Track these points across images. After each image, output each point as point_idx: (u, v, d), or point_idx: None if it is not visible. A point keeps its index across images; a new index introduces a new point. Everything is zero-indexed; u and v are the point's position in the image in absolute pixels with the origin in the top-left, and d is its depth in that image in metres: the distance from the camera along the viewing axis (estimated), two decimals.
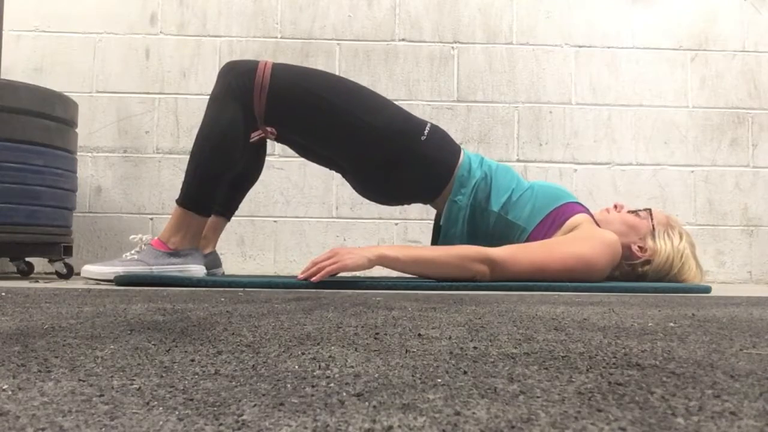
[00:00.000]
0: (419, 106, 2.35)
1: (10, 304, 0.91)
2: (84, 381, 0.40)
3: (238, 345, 0.55)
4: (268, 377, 0.42)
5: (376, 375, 0.43)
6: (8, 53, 2.25)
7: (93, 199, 2.32)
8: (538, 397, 0.37)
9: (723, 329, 0.70)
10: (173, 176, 2.31)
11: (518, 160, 2.37)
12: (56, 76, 2.30)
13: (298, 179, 2.34)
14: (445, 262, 1.38)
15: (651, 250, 1.58)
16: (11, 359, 0.47)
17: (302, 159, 1.72)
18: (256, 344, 0.55)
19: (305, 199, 2.34)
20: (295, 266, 2.30)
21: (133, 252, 1.47)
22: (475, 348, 0.54)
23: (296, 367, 0.45)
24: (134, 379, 0.41)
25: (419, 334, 0.62)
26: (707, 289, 1.44)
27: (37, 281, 1.72)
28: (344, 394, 0.37)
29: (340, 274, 1.39)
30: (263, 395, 0.37)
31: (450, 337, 0.61)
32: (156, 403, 0.35)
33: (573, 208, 1.55)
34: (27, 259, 2.01)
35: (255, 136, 1.49)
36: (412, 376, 0.42)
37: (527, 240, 1.51)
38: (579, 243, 1.44)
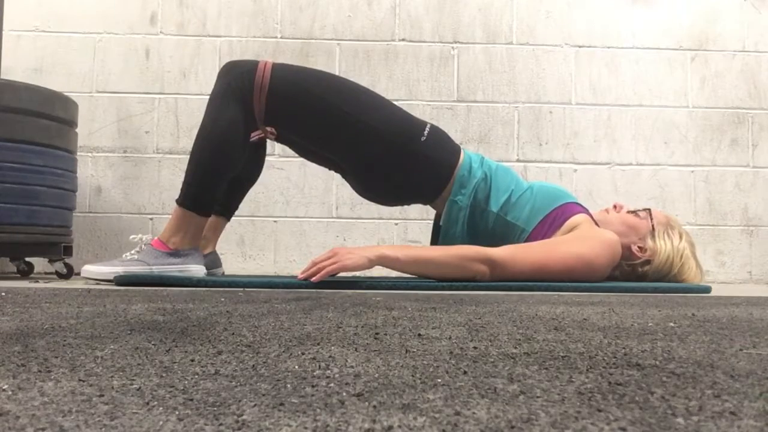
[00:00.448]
0: (419, 106, 2.35)
1: (10, 304, 0.91)
2: (84, 381, 0.40)
3: (238, 345, 0.55)
4: (268, 377, 0.42)
5: (376, 375, 0.43)
6: (8, 53, 2.25)
7: (93, 199, 2.32)
8: (538, 397, 0.37)
9: (723, 329, 0.70)
10: (173, 176, 2.31)
11: (518, 160, 2.37)
12: (56, 76, 2.30)
13: (298, 179, 2.34)
14: (445, 262, 1.38)
15: (651, 251, 1.58)
16: (11, 359, 0.47)
17: (302, 159, 1.72)
18: (256, 344, 0.55)
19: (305, 199, 2.34)
20: (295, 266, 2.30)
21: (133, 252, 1.47)
22: (475, 348, 0.54)
23: (296, 367, 0.45)
24: (134, 379, 0.41)
25: (419, 334, 0.62)
26: (707, 289, 1.44)
27: (37, 281, 1.72)
28: (344, 394, 0.37)
29: (340, 274, 1.39)
30: (263, 395, 0.37)
31: (450, 337, 0.60)
32: (156, 403, 0.35)
33: (572, 208, 1.55)
34: (27, 259, 2.01)
35: (255, 135, 1.49)
36: (412, 376, 0.42)
37: (527, 240, 1.51)
38: (579, 243, 1.44)
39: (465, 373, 0.44)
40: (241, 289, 1.31)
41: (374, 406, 0.34)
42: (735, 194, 2.40)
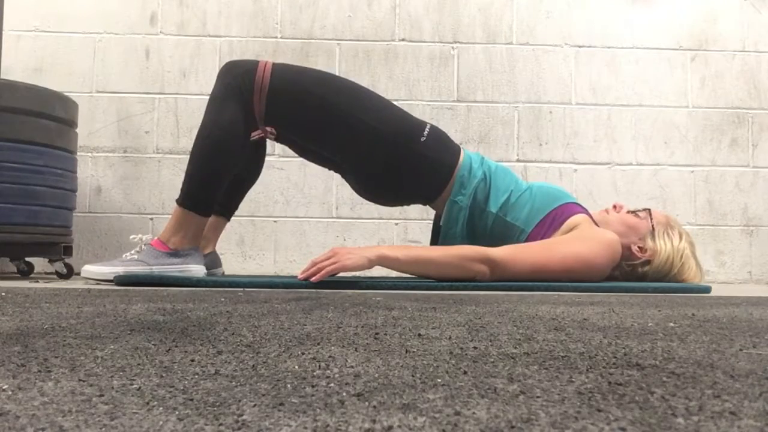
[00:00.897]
0: (419, 106, 2.35)
1: (10, 304, 0.91)
2: (84, 381, 0.40)
3: (238, 345, 0.55)
4: (268, 377, 0.42)
5: (376, 375, 0.43)
6: (8, 53, 2.25)
7: (93, 199, 2.32)
8: (538, 397, 0.37)
9: (723, 329, 0.70)
10: (173, 176, 2.31)
11: (518, 160, 2.37)
12: (56, 76, 2.30)
13: (298, 179, 2.34)
14: (445, 262, 1.38)
15: (651, 251, 1.58)
16: (11, 359, 0.47)
17: (302, 159, 1.72)
18: (256, 344, 0.55)
19: (305, 199, 2.34)
20: (295, 266, 2.30)
21: (133, 252, 1.47)
22: (475, 348, 0.54)
23: (296, 367, 0.45)
24: (134, 379, 0.41)
25: (419, 334, 0.62)
26: (707, 289, 1.44)
27: (37, 281, 1.72)
28: (344, 394, 0.37)
29: (340, 274, 1.39)
30: (263, 395, 0.37)
31: (450, 337, 0.60)
32: (156, 403, 0.35)
33: (572, 208, 1.55)
34: (27, 259, 2.01)
35: (255, 135, 1.49)
36: (412, 376, 0.42)
37: (526, 241, 1.51)
38: (579, 243, 1.44)
39: (465, 373, 0.44)
40: (241, 289, 1.31)
41: (374, 406, 0.34)
42: (735, 194, 2.40)
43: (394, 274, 1.75)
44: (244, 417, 0.32)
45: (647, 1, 2.43)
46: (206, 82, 2.32)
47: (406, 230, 2.35)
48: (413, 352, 0.52)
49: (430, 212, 2.26)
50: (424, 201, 1.65)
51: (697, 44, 2.42)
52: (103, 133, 2.33)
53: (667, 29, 2.42)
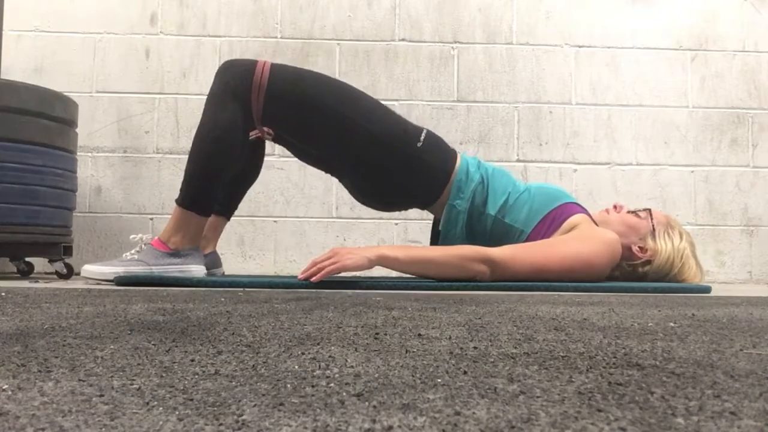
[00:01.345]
0: (419, 106, 2.35)
1: (10, 304, 0.91)
2: (84, 381, 0.40)
3: (238, 345, 0.55)
4: (268, 377, 0.42)
5: (376, 375, 0.43)
6: (8, 53, 2.25)
7: (93, 199, 2.32)
8: (538, 397, 0.37)
9: (723, 329, 0.70)
10: (173, 176, 2.31)
11: (518, 160, 2.37)
12: (56, 76, 2.30)
13: (298, 179, 2.34)
14: (445, 263, 1.38)
15: (651, 251, 1.58)
16: (11, 359, 0.47)
17: None
18: (256, 344, 0.55)
19: (305, 199, 2.34)
20: (295, 266, 2.30)
21: (133, 252, 1.47)
22: (475, 348, 0.54)
23: (296, 367, 0.45)
24: (134, 379, 0.41)
25: (419, 334, 0.62)
26: (707, 289, 1.44)
27: (37, 281, 1.72)
28: (344, 394, 0.37)
29: (340, 274, 1.39)
30: (263, 395, 0.37)
31: (450, 337, 0.60)
32: (156, 403, 0.35)
33: (571, 208, 1.54)
34: (27, 259, 2.01)
35: (252, 135, 1.49)
36: (412, 376, 0.42)
37: (526, 242, 1.51)
38: (579, 242, 1.44)
39: (465, 373, 0.44)
40: (241, 289, 1.31)
41: (374, 406, 0.34)
42: (735, 194, 2.40)
43: (394, 274, 1.75)
44: (244, 417, 0.32)
45: (647, 1, 2.43)
46: (206, 82, 2.30)
47: (406, 230, 2.35)
48: (413, 352, 0.52)
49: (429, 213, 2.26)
50: (422, 206, 1.64)
51: (697, 44, 2.42)
52: (103, 133, 2.33)
53: (667, 29, 2.42)
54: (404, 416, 0.32)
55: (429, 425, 0.31)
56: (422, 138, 1.53)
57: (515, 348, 0.55)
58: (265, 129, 1.49)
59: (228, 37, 2.36)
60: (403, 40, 2.38)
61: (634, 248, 1.59)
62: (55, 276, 1.91)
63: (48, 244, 1.85)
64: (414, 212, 2.34)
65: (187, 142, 2.31)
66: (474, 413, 0.33)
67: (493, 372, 0.44)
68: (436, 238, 1.64)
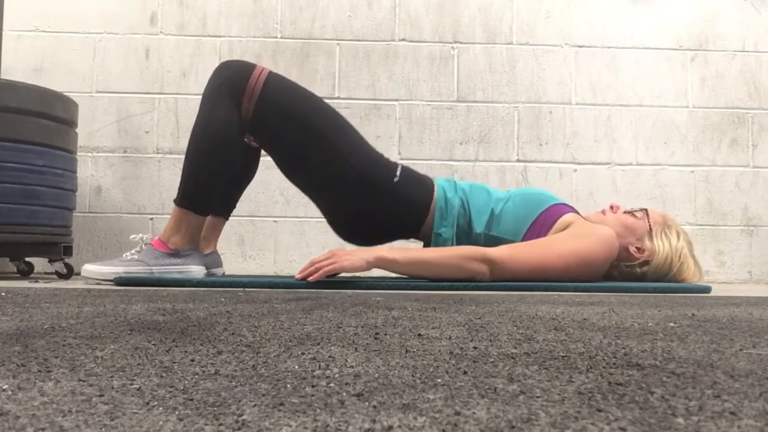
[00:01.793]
0: (419, 106, 2.35)
1: (10, 304, 0.91)
2: (84, 381, 0.40)
3: (238, 345, 0.55)
4: (268, 377, 0.42)
5: (376, 375, 0.43)
6: (8, 53, 2.25)
7: (93, 199, 2.32)
8: (538, 397, 0.37)
9: (723, 329, 0.70)
10: (173, 176, 2.31)
11: (518, 160, 2.37)
12: (56, 76, 2.30)
13: None
14: (444, 263, 1.38)
15: (649, 251, 1.58)
16: (11, 359, 0.47)
17: None
18: (256, 344, 0.55)
19: (305, 199, 2.32)
20: (295, 266, 2.30)
21: (133, 252, 1.47)
22: (475, 348, 0.54)
23: (296, 367, 0.45)
24: (134, 379, 0.41)
25: (419, 334, 0.62)
26: (707, 289, 1.44)
27: (37, 281, 1.72)
28: (344, 394, 0.37)
29: (340, 274, 1.39)
30: (263, 395, 0.37)
31: (450, 337, 0.61)
32: (156, 403, 0.35)
33: (559, 209, 1.54)
34: (27, 259, 2.01)
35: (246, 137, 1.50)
36: (412, 376, 0.42)
37: None
38: (575, 239, 1.44)
39: (465, 373, 0.44)
40: (241, 289, 1.31)
41: (374, 406, 0.34)
42: (735, 194, 2.40)
43: (393, 274, 1.75)
44: (244, 417, 0.32)
45: (647, 1, 2.43)
46: (206, 82, 2.32)
47: None
48: (413, 352, 0.52)
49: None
50: (407, 237, 1.64)
51: (697, 44, 2.42)
52: (103, 133, 2.33)
53: (667, 29, 2.42)
54: (404, 416, 0.32)
55: (429, 425, 0.31)
56: (398, 173, 1.53)
57: (515, 348, 0.55)
58: (252, 137, 1.50)
59: (228, 37, 2.36)
60: (403, 40, 2.38)
61: (632, 249, 1.58)
62: (55, 276, 1.91)
63: (48, 244, 1.85)
64: None
65: (186, 142, 2.31)
66: (474, 413, 0.33)
67: (493, 372, 0.44)
68: None
